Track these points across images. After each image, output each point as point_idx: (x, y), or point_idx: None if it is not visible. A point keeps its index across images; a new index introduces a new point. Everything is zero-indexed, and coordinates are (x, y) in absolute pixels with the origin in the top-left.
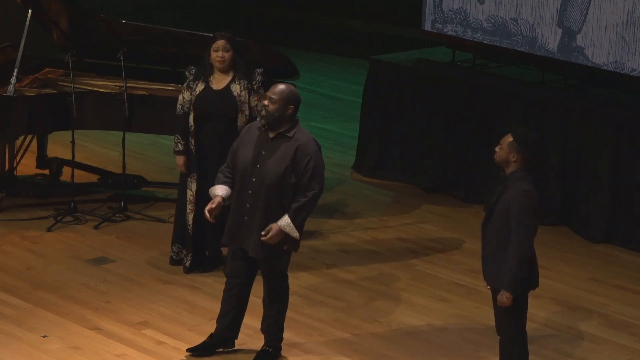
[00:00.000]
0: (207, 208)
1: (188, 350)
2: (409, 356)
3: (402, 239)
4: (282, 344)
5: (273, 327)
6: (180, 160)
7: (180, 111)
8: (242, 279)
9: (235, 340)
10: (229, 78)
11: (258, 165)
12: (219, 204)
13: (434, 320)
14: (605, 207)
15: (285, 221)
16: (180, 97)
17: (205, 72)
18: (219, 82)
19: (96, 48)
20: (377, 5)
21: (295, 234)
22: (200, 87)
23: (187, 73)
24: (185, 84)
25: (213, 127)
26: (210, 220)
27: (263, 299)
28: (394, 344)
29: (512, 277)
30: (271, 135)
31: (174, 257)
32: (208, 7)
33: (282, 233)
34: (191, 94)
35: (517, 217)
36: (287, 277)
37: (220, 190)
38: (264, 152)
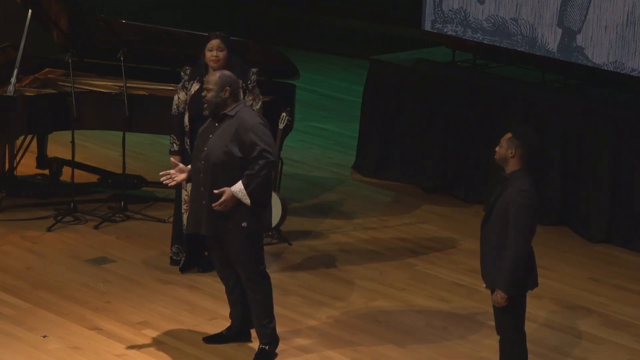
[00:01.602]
0: (167, 171)
1: (204, 339)
2: (409, 356)
3: (402, 239)
4: (279, 341)
5: (262, 320)
6: (175, 160)
7: (175, 111)
8: (232, 274)
9: (252, 330)
10: None
11: (205, 148)
12: (186, 169)
13: (434, 320)
14: (605, 207)
15: (238, 187)
16: (175, 98)
17: (200, 72)
18: None
19: (96, 48)
20: (377, 5)
21: (247, 200)
22: (195, 87)
23: (182, 73)
24: (180, 84)
25: None
26: (164, 181)
27: (246, 292)
28: (394, 344)
29: (508, 278)
30: (217, 120)
31: (174, 257)
32: (208, 7)
33: (234, 198)
34: (186, 94)
35: (514, 217)
36: (261, 263)
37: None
38: (211, 136)
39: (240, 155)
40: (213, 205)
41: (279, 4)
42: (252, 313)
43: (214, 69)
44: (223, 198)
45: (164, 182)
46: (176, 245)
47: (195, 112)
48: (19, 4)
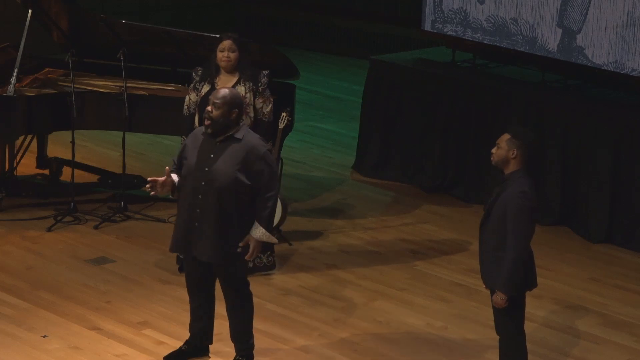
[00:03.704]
0: (155, 178)
1: (164, 358)
2: (409, 356)
3: (403, 239)
4: (254, 352)
5: (242, 337)
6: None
7: (186, 112)
8: (203, 289)
9: (210, 346)
10: (234, 79)
11: (206, 169)
12: (169, 181)
13: (434, 320)
14: (605, 207)
15: (260, 232)
16: (186, 99)
17: (211, 73)
18: (224, 83)
19: (96, 48)
20: (377, 5)
21: (274, 240)
22: (206, 88)
23: (193, 74)
24: (191, 85)
25: None
26: (148, 188)
27: (226, 309)
28: (394, 344)
29: (507, 279)
30: (219, 138)
31: (180, 257)
32: (208, 7)
33: (260, 243)
34: (197, 95)
35: (513, 218)
36: (247, 283)
37: (175, 177)
38: (212, 156)
39: (248, 184)
40: (246, 257)
41: (278, 3)
42: (233, 329)
43: (225, 69)
44: (252, 248)
45: (148, 188)
46: None
47: None
48: (19, 4)
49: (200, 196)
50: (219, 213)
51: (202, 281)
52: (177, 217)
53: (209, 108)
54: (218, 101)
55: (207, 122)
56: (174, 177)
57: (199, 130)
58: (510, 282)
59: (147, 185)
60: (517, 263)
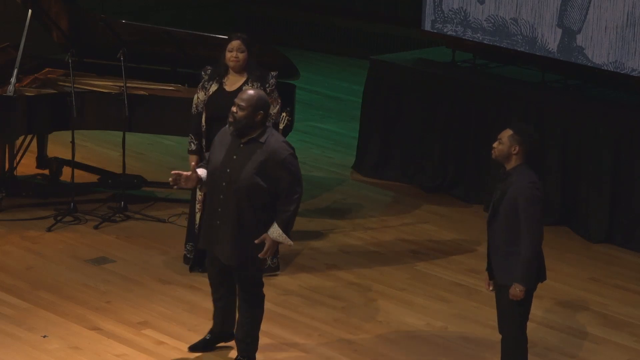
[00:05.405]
0: (179, 171)
1: (189, 348)
2: (409, 356)
3: (403, 239)
4: (257, 354)
5: (248, 337)
6: (193, 160)
7: (195, 111)
8: (225, 282)
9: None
10: (242, 79)
11: (228, 170)
12: (194, 177)
13: (434, 320)
14: (605, 207)
15: (277, 232)
16: (195, 97)
17: (220, 72)
18: (232, 83)
19: (96, 48)
20: (378, 5)
21: (290, 242)
22: (214, 87)
23: (202, 73)
24: (200, 84)
25: None
26: (171, 182)
27: (238, 306)
28: (394, 344)
29: (526, 270)
30: (243, 140)
31: (188, 255)
32: (208, 7)
33: (276, 244)
34: (205, 94)
35: (525, 209)
36: (262, 284)
37: (201, 172)
38: (235, 157)
39: (267, 188)
40: (260, 255)
41: (278, 3)
42: (240, 327)
43: (233, 69)
44: (267, 247)
45: (171, 181)
46: (190, 244)
47: (212, 112)
48: (19, 4)
49: (221, 196)
50: (237, 215)
51: (223, 275)
52: (203, 213)
53: (234, 109)
54: (243, 103)
55: (231, 120)
56: (201, 172)
57: (227, 128)
58: (529, 273)
59: (170, 179)
60: (534, 253)
